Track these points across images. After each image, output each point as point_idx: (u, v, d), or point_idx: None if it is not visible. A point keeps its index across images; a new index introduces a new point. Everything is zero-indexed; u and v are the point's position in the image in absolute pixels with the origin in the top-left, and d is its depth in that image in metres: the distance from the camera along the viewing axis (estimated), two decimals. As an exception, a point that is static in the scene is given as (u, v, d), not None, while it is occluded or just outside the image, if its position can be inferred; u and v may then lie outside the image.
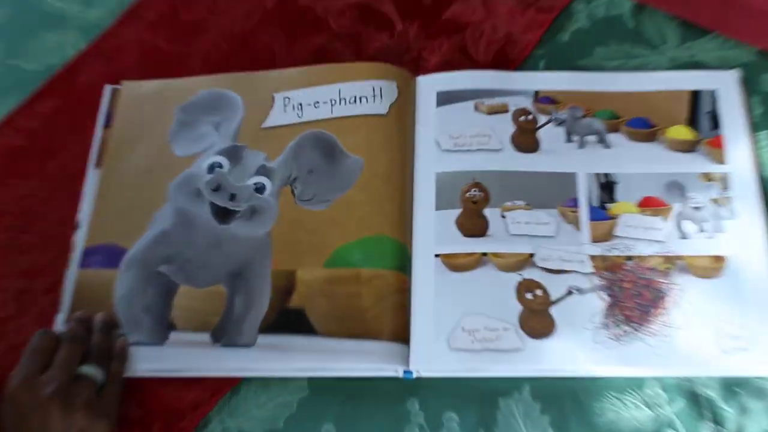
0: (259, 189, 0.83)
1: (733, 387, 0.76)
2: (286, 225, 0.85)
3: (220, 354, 0.81)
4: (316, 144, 0.87)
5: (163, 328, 0.82)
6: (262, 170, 0.84)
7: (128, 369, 0.80)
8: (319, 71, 0.93)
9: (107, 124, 0.95)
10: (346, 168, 0.86)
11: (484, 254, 0.83)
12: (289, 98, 0.91)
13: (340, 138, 0.87)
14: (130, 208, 0.88)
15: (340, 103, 0.90)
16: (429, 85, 0.92)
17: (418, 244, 0.84)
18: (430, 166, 0.87)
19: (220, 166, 0.84)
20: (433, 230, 0.85)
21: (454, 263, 0.83)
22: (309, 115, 0.90)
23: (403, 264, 0.83)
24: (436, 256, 0.83)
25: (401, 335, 0.80)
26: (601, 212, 0.84)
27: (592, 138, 0.88)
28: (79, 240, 0.88)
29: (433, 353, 0.79)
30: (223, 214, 0.83)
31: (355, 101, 0.90)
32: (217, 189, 0.82)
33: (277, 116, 0.91)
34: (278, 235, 0.84)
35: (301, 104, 0.91)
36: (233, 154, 0.85)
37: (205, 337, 0.82)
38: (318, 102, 0.91)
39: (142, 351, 0.81)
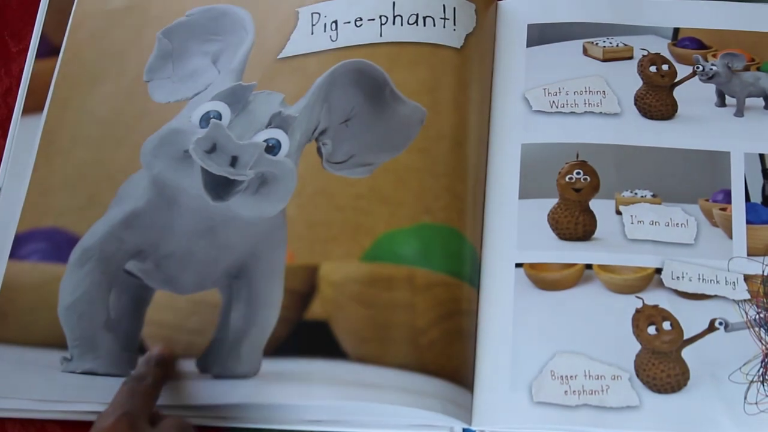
0: (273, 148, 0.80)
1: None
2: (309, 200, 0.84)
3: (210, 388, 0.79)
4: (357, 81, 0.84)
5: (129, 352, 0.81)
6: (277, 120, 0.81)
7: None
8: (365, -26, 0.94)
9: (45, 51, 0.95)
10: (399, 118, 0.85)
11: (589, 267, 0.82)
12: (319, 14, 0.91)
13: (393, 74, 0.84)
14: (85, 177, 0.88)
15: (393, 23, 0.90)
16: (517, 13, 0.93)
17: (492, 247, 0.84)
18: (514, 134, 0.87)
19: (218, 116, 0.81)
20: (514, 228, 0.84)
21: (545, 278, 0.82)
22: (347, 38, 0.90)
23: (472, 272, 0.83)
24: (518, 265, 0.83)
25: (464, 376, 0.79)
26: (764, 212, 0.83)
27: (757, 102, 0.87)
28: (5, 219, 0.87)
29: (508, 406, 0.77)
30: (219, 187, 0.79)
31: (416, 22, 0.90)
32: (212, 150, 0.78)
33: (302, 40, 0.91)
34: (297, 215, 0.83)
35: (336, 22, 0.91)
36: (237, 97, 0.82)
37: (190, 365, 0.81)
38: (361, 20, 0.90)
39: (99, 383, 0.79)
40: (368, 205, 0.84)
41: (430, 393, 0.77)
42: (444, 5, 0.90)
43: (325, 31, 0.90)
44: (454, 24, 0.89)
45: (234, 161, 0.78)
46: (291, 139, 0.80)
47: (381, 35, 0.90)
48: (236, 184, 0.78)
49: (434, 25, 0.90)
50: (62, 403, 0.80)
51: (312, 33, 0.91)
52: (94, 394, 0.79)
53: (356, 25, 0.90)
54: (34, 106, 0.93)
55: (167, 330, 0.83)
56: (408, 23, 0.90)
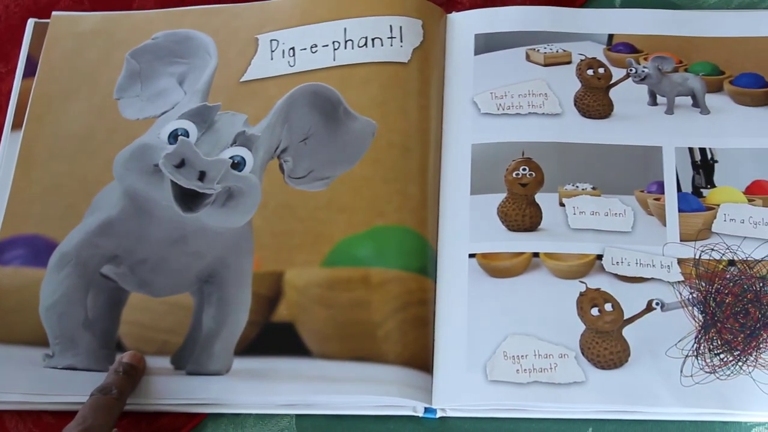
0: (238, 164, 0.82)
1: None
2: (273, 212, 0.88)
3: (184, 384, 0.83)
4: (314, 102, 0.87)
5: (107, 350, 0.84)
6: (241, 138, 0.83)
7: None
8: (318, 3, 0.95)
9: (30, 72, 0.97)
10: (352, 134, 0.88)
11: (536, 255, 0.85)
12: (277, 41, 0.94)
13: (346, 94, 0.88)
14: (61, 187, 0.91)
15: (345, 47, 0.93)
16: (465, 24, 0.94)
17: (446, 240, 0.87)
18: (464, 135, 0.90)
19: (186, 133, 0.83)
20: (467, 222, 0.87)
21: (496, 266, 0.86)
22: (304, 63, 0.93)
23: (426, 265, 0.86)
24: (471, 256, 0.86)
25: (422, 360, 0.82)
26: (694, 201, 0.86)
27: (684, 100, 0.90)
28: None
29: (465, 386, 0.81)
30: (189, 199, 0.81)
31: (365, 44, 0.93)
32: (180, 165, 0.80)
33: (262, 65, 0.94)
34: (262, 226, 0.86)
35: (293, 49, 0.93)
36: (203, 117, 0.84)
37: (164, 362, 0.84)
38: (316, 46, 0.93)
39: (79, 379, 0.82)
40: (327, 215, 0.87)
41: (387, 380, 0.81)
42: (391, 25, 0.93)
43: (283, 57, 0.94)
44: (401, 41, 0.92)
45: (202, 176, 0.79)
46: (255, 156, 0.83)
47: (334, 59, 0.93)
48: (205, 197, 0.80)
49: (382, 45, 0.92)
50: (47, 396, 0.82)
51: (271, 58, 0.94)
52: (76, 388, 0.81)
53: (312, 51, 0.93)
54: (17, 122, 0.95)
55: (143, 329, 0.85)
56: (358, 46, 0.93)
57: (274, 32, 0.94)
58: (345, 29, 0.93)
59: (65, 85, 0.96)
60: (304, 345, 0.83)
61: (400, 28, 0.92)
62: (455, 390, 0.81)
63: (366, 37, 0.93)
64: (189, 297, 0.86)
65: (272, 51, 0.94)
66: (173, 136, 0.82)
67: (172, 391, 0.82)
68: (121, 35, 0.97)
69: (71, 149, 0.93)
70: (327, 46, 0.93)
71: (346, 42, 0.93)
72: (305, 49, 0.93)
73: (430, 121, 0.90)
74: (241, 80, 0.93)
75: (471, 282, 0.84)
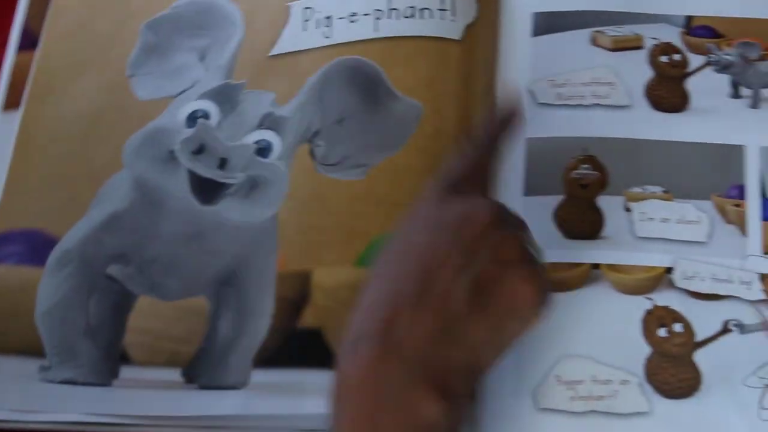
0: (263, 150, 0.83)
1: None
2: (301, 204, 0.86)
3: (196, 400, 0.82)
4: (352, 79, 0.88)
5: (111, 361, 0.84)
6: (268, 120, 0.84)
7: None
8: (359, -35, 0.95)
9: (27, 43, 0.97)
10: (395, 117, 0.88)
11: (596, 266, 0.83)
12: (312, 9, 0.93)
13: (388, 71, 0.88)
14: (64, 176, 0.91)
15: (389, 17, 0.92)
16: (521, 1, 0.94)
17: (495, 246, 0.86)
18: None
19: (206, 115, 0.84)
20: None
21: (550, 278, 0.81)
22: (341, 34, 0.92)
23: None
24: None
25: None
26: None
27: None
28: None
29: (512, 414, 0.79)
30: (207, 190, 0.81)
31: (412, 15, 0.92)
32: (199, 151, 0.80)
33: (294, 37, 0.93)
34: (288, 220, 0.85)
35: (329, 17, 0.92)
36: (225, 96, 0.85)
37: (175, 374, 0.83)
38: (355, 15, 0.92)
39: (78, 394, 0.82)
40: (363, 208, 0.87)
41: None
42: None
43: (318, 27, 0.92)
44: (453, 15, 0.91)
45: (223, 163, 0.80)
46: (283, 140, 0.83)
47: (376, 30, 0.91)
48: (225, 188, 0.81)
49: (432, 17, 0.91)
50: (41, 414, 0.80)
51: (304, 29, 0.93)
52: (75, 404, 0.80)
53: (351, 21, 0.92)
54: (14, 101, 0.94)
55: (151, 338, 0.85)
56: (404, 16, 0.92)
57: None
58: None
59: (72, 60, 0.95)
60: (333, 355, 0.79)
61: None
62: (501, 418, 0.79)
63: (413, 7, 0.91)
64: (203, 301, 0.85)
65: (305, 20, 0.93)
66: (192, 119, 0.83)
67: (183, 407, 0.81)
68: (136, 3, 0.96)
69: (76, 132, 0.92)
70: (368, 15, 0.92)
71: (390, 11, 0.92)
72: (343, 18, 0.92)
73: (484, 108, 0.89)
74: (270, 54, 0.92)
75: (522, 295, 0.83)
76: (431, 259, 0.67)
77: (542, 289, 0.70)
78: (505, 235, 0.69)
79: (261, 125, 0.83)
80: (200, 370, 0.83)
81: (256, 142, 0.83)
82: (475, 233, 0.68)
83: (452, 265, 0.66)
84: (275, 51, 0.92)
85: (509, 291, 0.67)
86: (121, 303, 0.85)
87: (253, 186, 0.82)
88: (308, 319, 0.84)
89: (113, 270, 0.85)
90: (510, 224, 0.71)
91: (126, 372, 0.83)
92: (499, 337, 0.69)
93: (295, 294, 0.84)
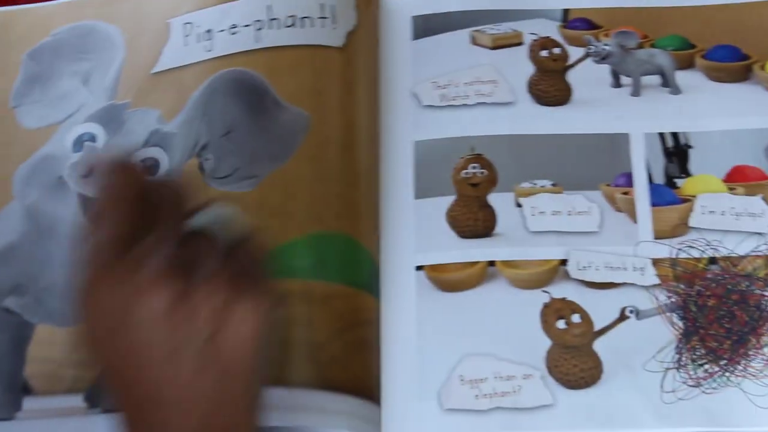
0: (152, 167, 0.83)
1: None
2: None
3: (101, 423, 0.81)
4: (236, 90, 0.88)
5: (13, 394, 0.82)
6: (155, 137, 0.84)
7: None
8: (237, -23, 0.95)
9: None
10: (282, 127, 0.87)
11: (492, 264, 0.84)
12: (191, 24, 0.92)
13: (272, 80, 0.88)
14: None
15: (270, 27, 0.91)
16: (400, 5, 0.93)
17: (389, 251, 0.85)
18: (404, 132, 0.89)
19: (92, 138, 0.84)
20: (412, 230, 0.86)
21: (446, 279, 0.84)
22: (223, 47, 0.91)
23: (372, 280, 0.85)
24: (418, 268, 0.85)
25: (368, 389, 0.81)
26: (668, 193, 0.85)
27: (652, 79, 0.90)
28: None
29: (418, 416, 0.79)
30: None
31: (293, 24, 0.91)
32: (89, 174, 0.81)
33: (176, 53, 0.92)
34: None
35: (210, 31, 0.92)
36: (111, 117, 0.85)
37: (78, 400, 0.82)
38: (236, 26, 0.92)
39: None
40: (256, 219, 0.84)
41: (335, 410, 0.79)
42: (322, 4, 0.91)
43: (199, 41, 0.92)
44: (334, 22, 0.91)
45: None
46: (170, 156, 0.84)
47: (258, 41, 0.91)
48: None
49: (313, 26, 0.91)
50: None
51: (186, 44, 0.92)
52: None
53: (231, 33, 0.91)
54: None
55: (52, 366, 0.83)
56: (285, 26, 0.91)
57: (188, 14, 0.93)
58: (268, 6, 0.91)
59: None
60: None
61: (332, 7, 0.91)
62: (407, 422, 0.80)
63: (294, 16, 0.91)
64: None
65: (186, 36, 0.92)
66: (78, 143, 0.84)
67: None
68: (16, 34, 0.95)
69: (-39, 166, 0.91)
70: (249, 26, 0.91)
71: (270, 21, 0.91)
72: (224, 30, 0.92)
73: (371, 114, 0.89)
74: (153, 72, 0.91)
75: (419, 298, 0.83)
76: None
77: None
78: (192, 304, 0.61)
79: (148, 143, 0.84)
80: (102, 394, 0.81)
81: (144, 160, 0.83)
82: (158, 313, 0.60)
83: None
84: (158, 68, 0.91)
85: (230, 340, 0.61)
86: (19, 334, 0.84)
87: (143, 204, 0.82)
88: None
89: (10, 302, 0.84)
90: (201, 268, 0.62)
91: (29, 403, 0.82)
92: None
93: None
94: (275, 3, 0.91)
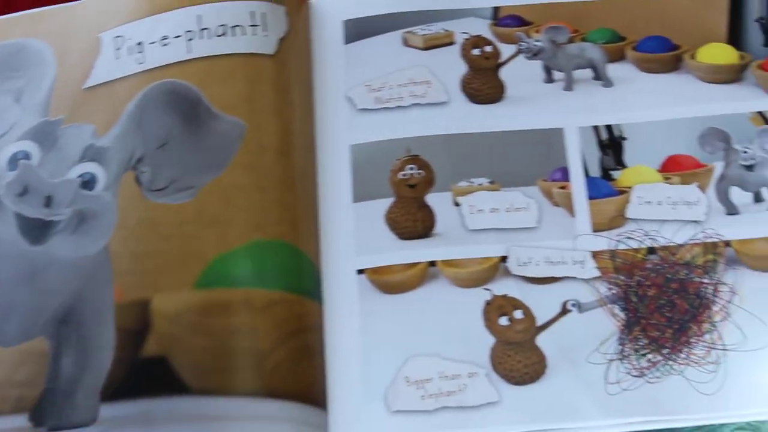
0: (88, 182, 0.82)
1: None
2: (132, 232, 0.85)
3: None
4: (169, 102, 0.86)
5: None
6: (90, 152, 0.82)
7: None
8: (164, -11, 0.95)
9: None
10: (217, 136, 0.87)
11: (432, 264, 0.84)
12: (122, 37, 0.92)
13: (206, 90, 0.87)
14: None
15: (201, 37, 0.91)
16: (331, 10, 0.94)
17: (330, 256, 0.85)
18: (340, 136, 0.89)
19: (27, 156, 0.82)
20: (351, 233, 0.86)
21: (388, 281, 0.85)
22: (155, 59, 0.91)
23: (313, 285, 0.85)
24: (360, 272, 0.85)
25: (316, 394, 0.82)
26: (604, 185, 0.86)
27: (584, 73, 0.91)
28: None
29: (364, 419, 0.80)
30: (36, 230, 0.80)
31: (224, 33, 0.91)
32: (24, 192, 0.79)
33: (107, 67, 0.91)
34: (121, 250, 0.85)
35: (141, 43, 0.91)
36: (45, 134, 0.83)
37: (22, 420, 0.82)
38: (167, 38, 0.91)
39: None
40: (196, 229, 0.85)
41: (281, 417, 0.80)
42: (252, 12, 0.91)
43: (130, 54, 0.91)
44: (265, 30, 0.91)
45: (48, 201, 0.79)
46: (107, 171, 0.82)
47: (189, 51, 0.90)
48: (53, 225, 0.80)
49: (244, 34, 0.91)
50: None
51: (117, 57, 0.91)
52: None
53: (162, 44, 0.91)
54: None
55: None
56: (216, 35, 0.91)
57: (118, 27, 0.92)
58: (199, 16, 0.91)
59: None
60: (181, 381, 0.81)
61: (263, 15, 0.91)
62: (354, 426, 0.80)
63: (225, 25, 0.91)
64: (44, 342, 0.83)
65: (117, 49, 0.91)
66: (13, 162, 0.82)
67: None
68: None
69: None
70: (180, 37, 0.91)
71: (201, 31, 0.91)
72: (155, 42, 0.91)
73: (306, 120, 0.90)
74: (85, 87, 0.90)
75: (361, 301, 0.84)
76: None
77: None
78: None
79: (83, 158, 0.82)
80: (47, 412, 0.82)
81: (80, 176, 0.81)
82: None
83: None
84: (90, 83, 0.90)
85: None
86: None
87: (81, 220, 0.81)
88: (152, 347, 0.83)
89: None
90: None
91: (-28, 427, 0.83)
92: None
93: (136, 324, 0.83)
94: (205, 13, 0.91)
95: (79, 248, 0.81)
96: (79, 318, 0.83)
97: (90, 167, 0.82)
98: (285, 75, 0.90)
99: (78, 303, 0.83)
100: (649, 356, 0.80)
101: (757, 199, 0.85)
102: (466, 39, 0.92)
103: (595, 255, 0.83)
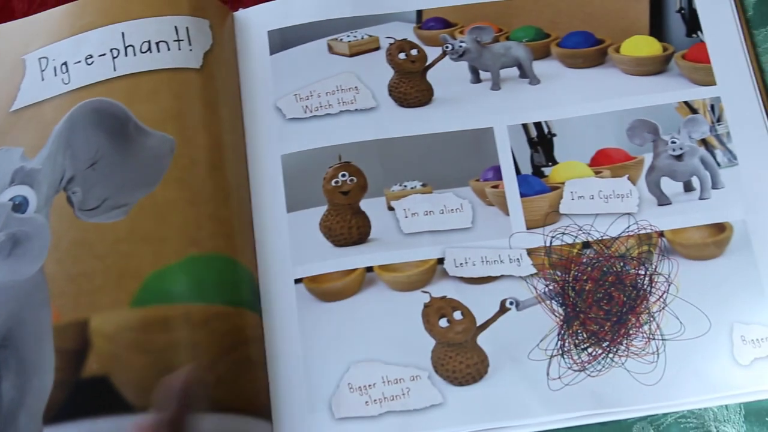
0: (20, 205, 0.81)
1: (765, 416, 0.80)
2: (66, 253, 0.86)
3: None
4: (97, 121, 0.86)
5: None
6: (20, 175, 0.82)
7: None
8: (86, 8, 0.93)
9: None
10: (147, 153, 0.87)
11: (369, 270, 0.85)
12: (47, 58, 0.92)
13: (133, 107, 0.87)
14: None
15: (126, 54, 0.91)
16: (255, 21, 0.94)
17: (267, 267, 0.86)
18: (271, 146, 0.90)
19: None
20: (287, 243, 0.86)
21: (326, 289, 0.85)
22: (80, 78, 0.91)
23: (252, 297, 0.85)
24: (297, 281, 0.85)
25: (258, 406, 0.82)
26: (536, 182, 0.87)
27: (511, 72, 0.91)
28: None
29: (309, 428, 0.80)
30: None
31: (149, 49, 0.91)
32: None
33: (32, 88, 0.91)
34: (56, 271, 0.85)
35: (65, 63, 0.91)
36: None
37: None
38: (91, 56, 0.91)
39: None
40: (130, 247, 0.85)
41: (225, 431, 0.80)
42: (176, 27, 0.91)
43: (56, 74, 0.91)
44: (190, 44, 0.91)
45: None
46: (38, 193, 0.81)
47: (115, 69, 0.90)
48: None
49: (169, 49, 0.91)
50: None
51: (42, 78, 0.91)
52: None
53: (87, 63, 0.91)
54: None
55: None
56: (141, 52, 0.91)
57: (43, 48, 0.92)
58: (123, 34, 0.91)
59: None
60: (123, 399, 0.81)
61: (187, 29, 0.91)
62: (300, 434, 0.81)
63: (149, 41, 0.91)
64: None
65: (42, 70, 0.91)
66: None
67: None
68: None
69: None
70: (104, 55, 0.91)
71: (126, 48, 0.91)
72: (79, 61, 0.91)
73: (236, 132, 0.90)
74: (11, 110, 0.90)
75: (301, 311, 0.84)
76: None
77: None
78: None
79: (13, 181, 0.81)
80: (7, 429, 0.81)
81: (11, 199, 0.81)
82: None
83: None
84: (16, 105, 0.91)
85: None
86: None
87: (15, 243, 0.80)
88: (92, 367, 0.82)
89: None
90: None
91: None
92: None
93: (75, 344, 0.83)
94: (129, 30, 0.91)
95: (14, 272, 0.81)
96: (17, 341, 0.82)
97: (21, 190, 0.81)
98: (212, 88, 0.90)
99: (15, 326, 0.82)
100: (590, 350, 0.80)
101: (687, 188, 0.86)
102: (392, 44, 0.93)
103: (531, 252, 0.84)
